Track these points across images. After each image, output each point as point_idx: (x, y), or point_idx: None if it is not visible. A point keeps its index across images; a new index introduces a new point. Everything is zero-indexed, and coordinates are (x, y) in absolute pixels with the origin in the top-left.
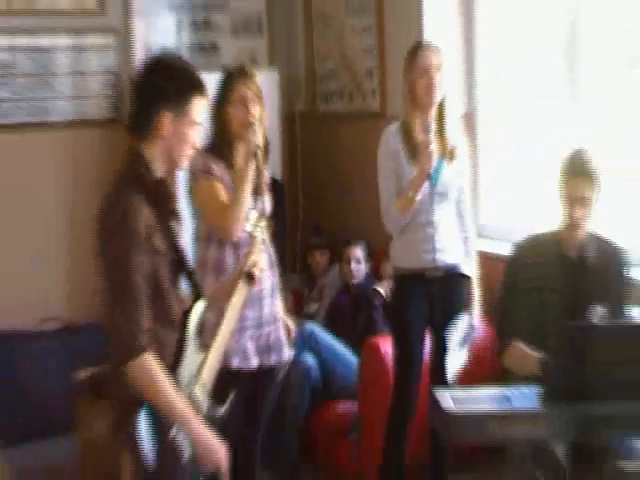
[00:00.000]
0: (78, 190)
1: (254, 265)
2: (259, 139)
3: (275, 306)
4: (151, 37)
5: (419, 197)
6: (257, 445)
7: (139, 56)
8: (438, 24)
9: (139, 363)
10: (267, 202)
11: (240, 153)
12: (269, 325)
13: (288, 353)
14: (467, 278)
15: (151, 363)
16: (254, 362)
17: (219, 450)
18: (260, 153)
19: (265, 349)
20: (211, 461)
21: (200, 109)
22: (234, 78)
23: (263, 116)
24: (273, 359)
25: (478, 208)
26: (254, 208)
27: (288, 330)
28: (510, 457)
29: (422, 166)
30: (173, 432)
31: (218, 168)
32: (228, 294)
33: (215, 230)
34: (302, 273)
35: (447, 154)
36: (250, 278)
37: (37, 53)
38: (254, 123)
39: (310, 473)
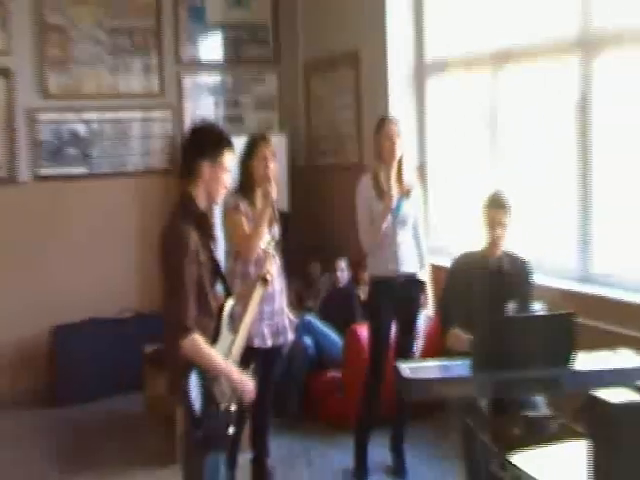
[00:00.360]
0: (145, 219)
1: (267, 272)
2: (274, 190)
3: (283, 302)
4: (196, 112)
5: (385, 225)
6: (269, 401)
7: (187, 125)
8: (399, 102)
9: (190, 340)
10: (277, 230)
11: (259, 195)
12: (279, 316)
13: (291, 336)
14: (422, 283)
15: (199, 339)
16: (269, 342)
17: (250, 385)
18: (273, 199)
19: (276, 333)
20: (246, 392)
21: (230, 160)
22: (257, 141)
23: (275, 170)
24: (281, 340)
25: (429, 232)
26: (269, 233)
27: (290, 319)
28: (449, 409)
29: (386, 205)
30: (214, 390)
31: (243, 206)
32: (250, 293)
33: (239, 250)
34: (303, 279)
35: (405, 194)
36: (265, 281)
37: (118, 124)
38: (271, 178)
39: (308, 421)
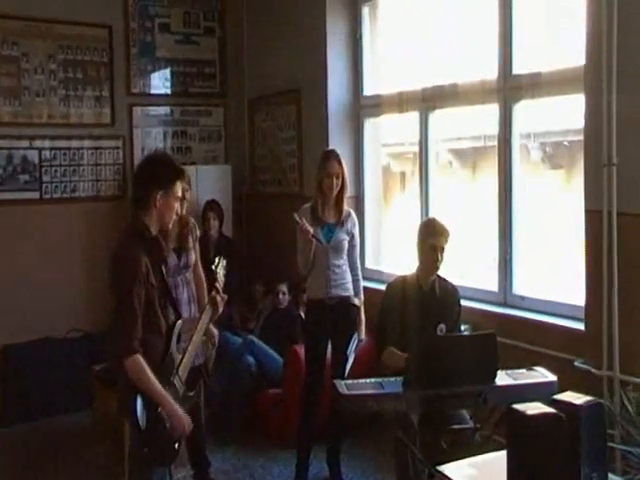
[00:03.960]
0: (95, 242)
1: (218, 294)
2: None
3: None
4: (146, 141)
5: (312, 249)
6: (201, 416)
7: (137, 154)
8: (337, 136)
9: (132, 360)
10: (192, 256)
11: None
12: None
13: (202, 359)
14: (356, 306)
15: (141, 361)
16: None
17: (185, 421)
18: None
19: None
20: (179, 429)
21: (180, 189)
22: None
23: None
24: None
25: (364, 258)
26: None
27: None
28: (383, 424)
29: (302, 237)
30: (160, 408)
31: None
32: (199, 314)
33: None
34: (246, 300)
35: (340, 222)
36: (214, 303)
37: (70, 151)
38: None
39: (250, 437)
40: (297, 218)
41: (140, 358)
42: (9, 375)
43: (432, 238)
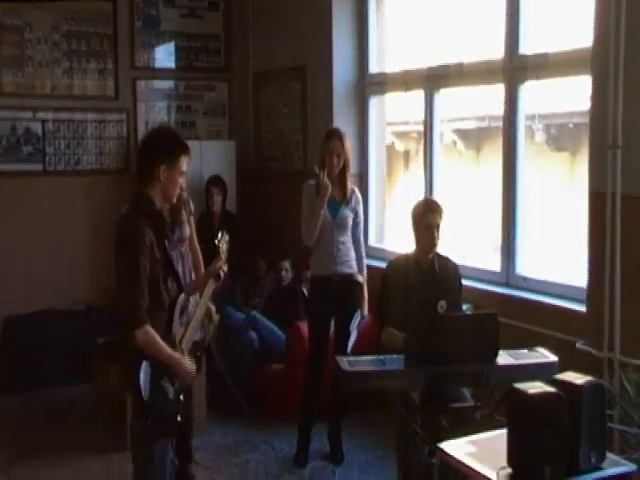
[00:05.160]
0: (98, 216)
1: (219, 268)
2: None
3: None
4: (150, 115)
5: (322, 212)
6: (191, 404)
7: (141, 127)
8: (342, 114)
9: (143, 331)
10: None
11: None
12: None
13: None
14: (359, 284)
15: (150, 330)
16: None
17: (192, 367)
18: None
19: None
20: (188, 373)
21: (185, 163)
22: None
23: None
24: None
25: (367, 236)
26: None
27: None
28: (384, 401)
29: (321, 191)
30: (163, 380)
31: None
32: (202, 288)
33: None
34: (249, 276)
35: (345, 199)
36: (217, 277)
37: (73, 124)
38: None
39: (253, 412)
40: (317, 169)
41: (150, 328)
42: (11, 346)
43: (426, 217)
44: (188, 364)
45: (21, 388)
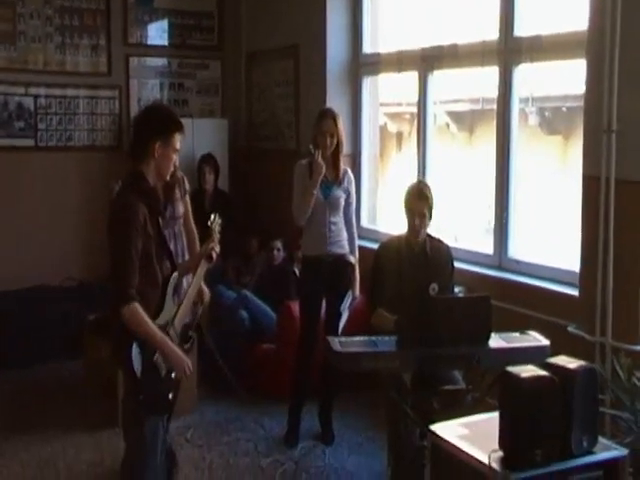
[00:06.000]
0: (90, 192)
1: (212, 249)
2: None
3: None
4: (142, 92)
5: (315, 193)
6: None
7: (133, 104)
8: (335, 94)
9: (130, 308)
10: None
11: None
12: None
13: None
14: (351, 264)
15: (138, 308)
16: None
17: (185, 361)
18: None
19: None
20: (179, 369)
21: (179, 141)
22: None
23: None
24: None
25: (359, 217)
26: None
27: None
28: (376, 382)
29: (316, 170)
30: (155, 356)
31: None
32: (194, 268)
33: None
34: (241, 255)
35: (337, 180)
36: (210, 258)
37: (65, 100)
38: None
39: (244, 390)
40: (312, 149)
41: (137, 305)
42: (3, 322)
43: (411, 202)
44: (179, 352)
45: (12, 364)
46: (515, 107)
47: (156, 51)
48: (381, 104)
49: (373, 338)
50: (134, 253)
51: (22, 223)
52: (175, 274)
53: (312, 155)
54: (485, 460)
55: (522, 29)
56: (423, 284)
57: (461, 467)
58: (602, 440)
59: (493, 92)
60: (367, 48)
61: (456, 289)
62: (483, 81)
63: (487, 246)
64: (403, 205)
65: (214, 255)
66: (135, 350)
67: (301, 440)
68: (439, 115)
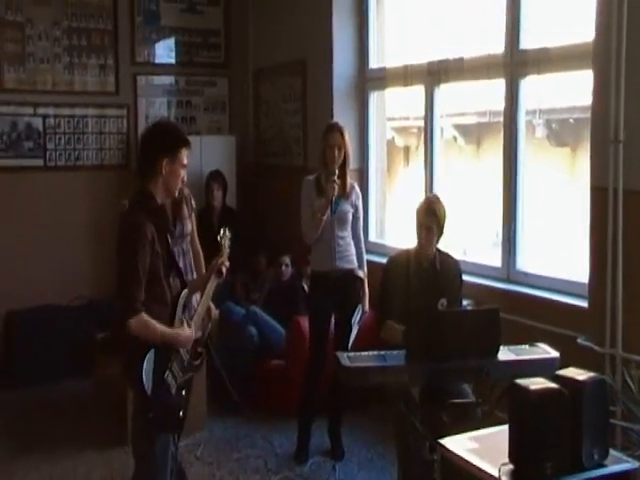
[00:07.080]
0: (99, 211)
1: (222, 264)
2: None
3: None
4: (150, 111)
5: (324, 218)
6: None
7: (141, 123)
8: (342, 109)
9: (137, 319)
10: (188, 225)
11: None
12: None
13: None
14: (360, 279)
15: (144, 316)
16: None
17: (191, 334)
18: None
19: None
20: (189, 341)
21: (186, 156)
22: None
23: None
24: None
25: (367, 232)
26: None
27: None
28: (385, 397)
29: (326, 198)
30: (166, 374)
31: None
32: (204, 284)
33: None
34: (249, 272)
35: (345, 194)
36: (219, 273)
37: (74, 119)
38: None
39: (252, 407)
40: (334, 178)
41: (143, 314)
42: (13, 340)
43: (421, 216)
44: (186, 330)
45: (23, 383)
46: (522, 119)
47: (163, 69)
48: (388, 118)
49: (382, 353)
50: (141, 270)
51: (31, 242)
52: (185, 291)
53: (322, 171)
54: (495, 474)
55: (528, 41)
56: (432, 299)
57: None
58: (613, 452)
59: (500, 105)
60: (373, 63)
61: (464, 302)
62: (490, 94)
63: (495, 259)
64: (414, 219)
65: (224, 270)
66: (146, 368)
67: (311, 456)
68: (446, 129)
